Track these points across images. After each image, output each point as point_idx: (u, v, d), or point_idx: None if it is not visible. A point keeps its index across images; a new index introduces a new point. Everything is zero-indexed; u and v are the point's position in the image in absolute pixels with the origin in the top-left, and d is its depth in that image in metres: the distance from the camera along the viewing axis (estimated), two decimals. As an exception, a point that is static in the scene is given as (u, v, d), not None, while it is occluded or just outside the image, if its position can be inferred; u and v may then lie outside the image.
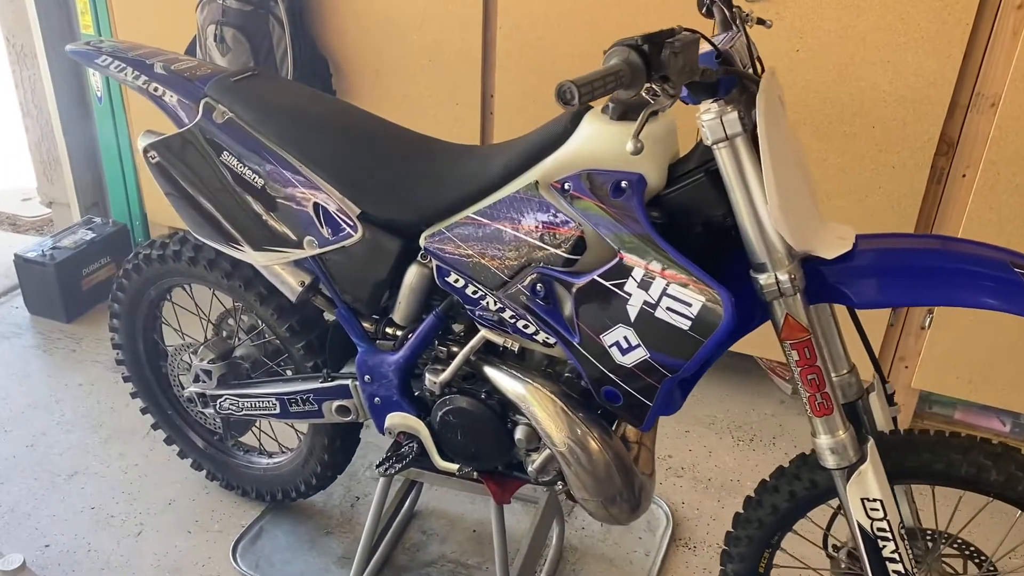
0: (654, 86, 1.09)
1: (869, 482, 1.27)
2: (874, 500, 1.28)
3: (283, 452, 2.01)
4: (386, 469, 1.63)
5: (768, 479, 1.45)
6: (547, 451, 1.50)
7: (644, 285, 1.22)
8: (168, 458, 2.19)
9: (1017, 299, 1.15)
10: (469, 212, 1.40)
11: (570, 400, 1.43)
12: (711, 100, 1.16)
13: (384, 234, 1.49)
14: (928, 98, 1.97)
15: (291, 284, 1.60)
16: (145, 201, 2.99)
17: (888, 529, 1.28)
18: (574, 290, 1.30)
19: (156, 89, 1.60)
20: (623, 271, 1.24)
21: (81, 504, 2.07)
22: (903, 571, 1.31)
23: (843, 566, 1.50)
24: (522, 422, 1.52)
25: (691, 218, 1.26)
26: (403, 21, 2.35)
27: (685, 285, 1.19)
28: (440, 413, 1.54)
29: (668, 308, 1.21)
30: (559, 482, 1.50)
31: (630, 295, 1.24)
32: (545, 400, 1.43)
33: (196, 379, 1.83)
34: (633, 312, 1.25)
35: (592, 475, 1.41)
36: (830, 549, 1.52)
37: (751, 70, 1.32)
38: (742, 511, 1.49)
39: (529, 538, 1.77)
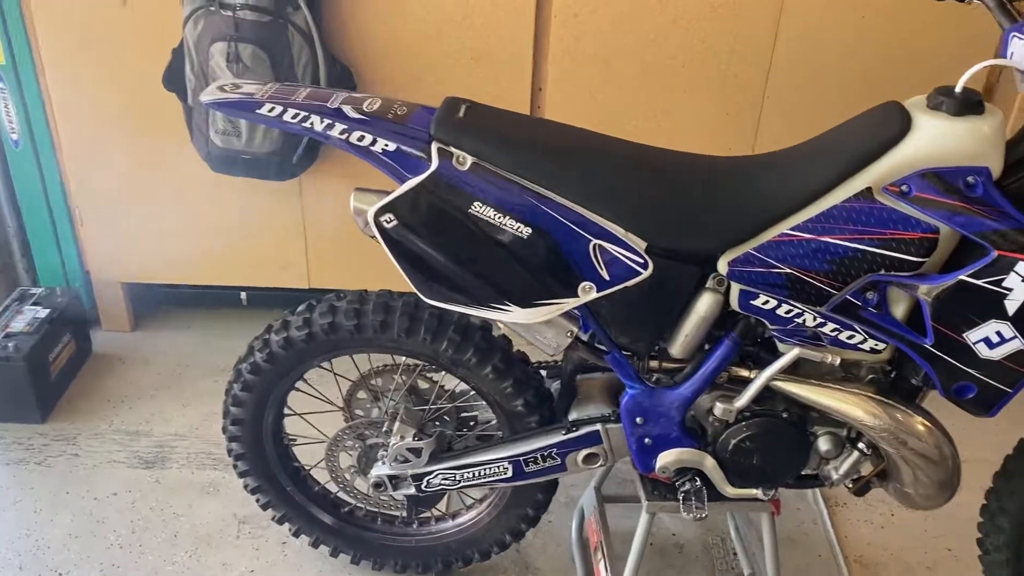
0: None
1: None
2: None
3: (466, 512, 1.81)
4: (660, 506, 1.54)
5: None
6: (854, 454, 1.49)
7: (1030, 279, 1.24)
8: (284, 550, 1.90)
9: None
10: (783, 228, 1.32)
11: (891, 396, 1.42)
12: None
13: (675, 265, 1.36)
14: None
15: (557, 337, 1.42)
16: (87, 258, 2.48)
17: None
18: (929, 294, 1.28)
19: (362, 139, 1.33)
20: (1002, 267, 1.24)
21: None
22: None
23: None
24: (822, 432, 1.49)
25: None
26: (441, 18, 2.12)
27: (1083, 274, 1.22)
28: (735, 440, 1.47)
29: (1061, 298, 1.24)
30: (871, 479, 1.50)
31: (1011, 290, 1.25)
32: (864, 401, 1.41)
33: (397, 460, 1.58)
34: (1013, 306, 1.26)
35: (930, 462, 1.42)
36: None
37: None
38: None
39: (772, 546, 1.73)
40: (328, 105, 1.34)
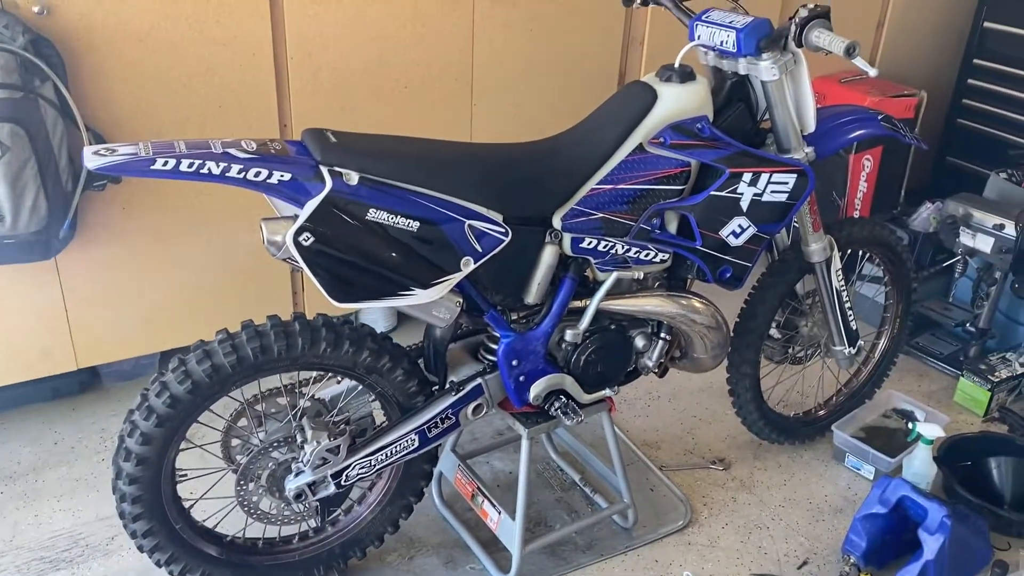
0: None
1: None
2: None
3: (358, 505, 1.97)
4: (538, 430, 1.91)
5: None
6: (659, 343, 1.98)
7: (752, 182, 1.82)
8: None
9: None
10: (592, 184, 1.76)
11: (672, 291, 1.94)
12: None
13: (525, 229, 1.73)
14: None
15: (449, 310, 1.70)
16: None
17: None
18: (691, 209, 1.81)
19: (258, 174, 1.48)
20: (734, 180, 1.81)
21: None
22: None
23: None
24: (636, 333, 1.97)
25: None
26: (184, 72, 2.21)
27: (780, 172, 1.83)
28: (584, 356, 1.88)
29: (772, 191, 1.84)
30: (670, 361, 2.01)
31: (742, 194, 1.82)
32: (662, 299, 1.92)
33: (316, 464, 1.72)
34: (745, 204, 1.84)
35: (713, 328, 1.96)
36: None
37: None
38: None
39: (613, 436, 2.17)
40: (214, 151, 1.47)
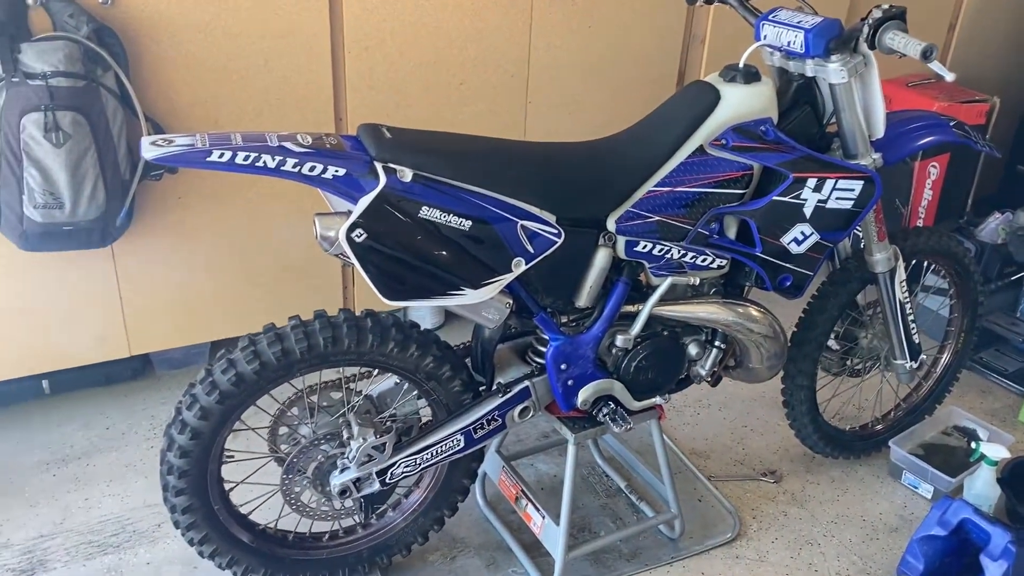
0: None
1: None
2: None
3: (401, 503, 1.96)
4: (585, 435, 1.87)
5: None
6: (713, 351, 1.93)
7: (816, 188, 1.76)
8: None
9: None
10: (649, 187, 1.72)
11: (729, 298, 1.89)
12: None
13: (578, 231, 1.69)
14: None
15: (498, 311, 1.67)
16: None
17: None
18: (752, 214, 1.76)
19: (313, 168, 1.47)
20: (798, 185, 1.75)
21: None
22: None
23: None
24: (690, 340, 1.92)
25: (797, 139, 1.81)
26: (243, 65, 2.22)
27: (846, 178, 1.76)
28: (635, 362, 1.84)
29: (837, 198, 1.77)
30: (723, 371, 1.96)
31: (805, 200, 1.76)
32: (718, 307, 1.87)
33: (362, 461, 1.71)
34: (809, 211, 1.77)
35: (770, 338, 1.90)
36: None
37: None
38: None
39: (661, 445, 2.12)
40: (270, 144, 1.46)
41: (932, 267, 2.41)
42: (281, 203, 2.40)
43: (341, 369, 1.75)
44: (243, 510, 1.83)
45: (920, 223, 3.22)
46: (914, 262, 2.24)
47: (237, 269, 2.44)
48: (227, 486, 1.79)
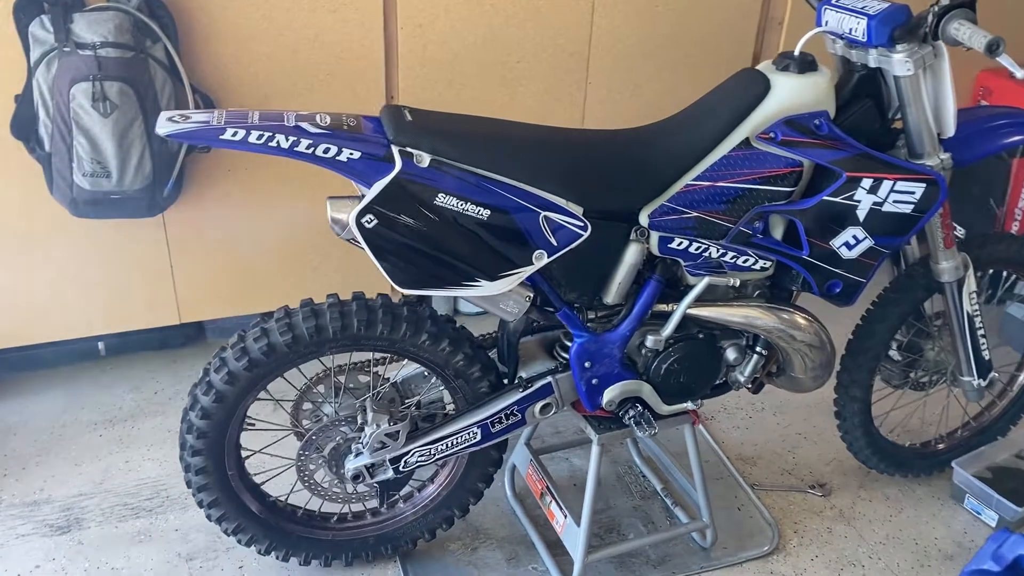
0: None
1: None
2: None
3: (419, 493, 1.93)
4: (610, 437, 1.79)
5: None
6: (754, 357, 1.82)
7: (872, 190, 1.62)
8: (243, 574, 1.92)
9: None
10: (687, 180, 1.61)
11: (774, 302, 1.77)
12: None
13: (607, 224, 1.61)
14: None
15: (517, 304, 1.61)
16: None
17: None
18: (799, 215, 1.63)
19: (327, 151, 1.43)
20: (851, 185, 1.61)
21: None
22: None
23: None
24: (728, 345, 1.81)
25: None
26: (294, 39, 2.20)
27: (907, 179, 1.62)
28: (665, 364, 1.75)
29: (895, 200, 1.63)
30: (766, 377, 1.84)
31: (859, 202, 1.63)
32: (760, 311, 1.75)
33: (375, 448, 1.69)
34: (862, 213, 1.64)
35: (815, 348, 1.78)
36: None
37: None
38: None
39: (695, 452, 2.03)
40: (286, 124, 1.43)
41: (1016, 277, 2.22)
42: (328, 178, 2.37)
43: (373, 353, 1.73)
44: (256, 480, 1.83)
45: (1016, 225, 2.98)
46: (991, 271, 2.06)
47: (285, 242, 2.45)
48: (244, 453, 1.80)
